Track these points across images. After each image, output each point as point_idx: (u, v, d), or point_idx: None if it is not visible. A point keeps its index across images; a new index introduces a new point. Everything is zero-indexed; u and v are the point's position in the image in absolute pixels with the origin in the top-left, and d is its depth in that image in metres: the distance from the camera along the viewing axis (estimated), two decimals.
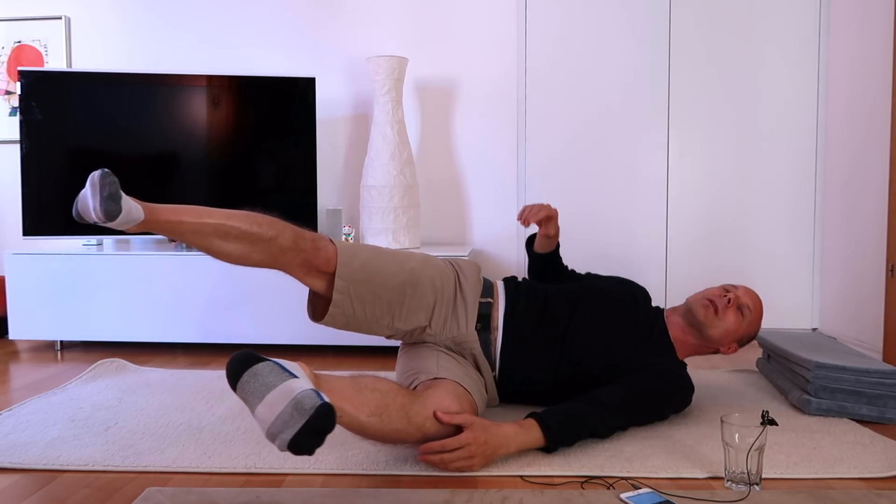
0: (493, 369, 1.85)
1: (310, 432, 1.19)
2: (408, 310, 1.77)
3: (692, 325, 1.92)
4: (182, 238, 1.59)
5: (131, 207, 1.52)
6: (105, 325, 2.85)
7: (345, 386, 1.44)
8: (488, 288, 1.91)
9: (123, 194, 1.51)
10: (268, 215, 1.65)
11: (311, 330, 2.78)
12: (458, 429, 1.51)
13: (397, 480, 1.50)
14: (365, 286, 1.71)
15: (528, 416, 1.63)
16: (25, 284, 2.85)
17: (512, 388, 1.89)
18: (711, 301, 1.91)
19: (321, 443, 1.22)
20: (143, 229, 1.57)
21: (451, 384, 1.64)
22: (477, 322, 1.84)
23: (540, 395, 1.88)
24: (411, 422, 1.47)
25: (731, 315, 1.90)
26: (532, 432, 1.59)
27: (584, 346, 1.84)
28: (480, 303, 1.86)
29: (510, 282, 1.98)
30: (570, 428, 1.62)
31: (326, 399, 1.22)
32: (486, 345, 1.84)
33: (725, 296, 1.91)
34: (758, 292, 3.20)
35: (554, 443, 1.60)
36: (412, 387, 1.68)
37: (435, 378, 1.67)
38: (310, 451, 1.21)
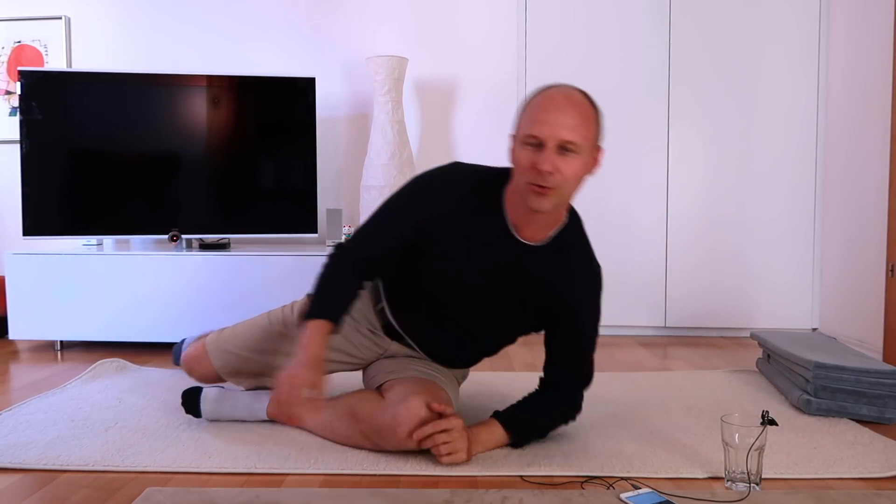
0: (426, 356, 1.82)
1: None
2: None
3: (531, 212, 1.56)
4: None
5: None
6: (105, 325, 2.85)
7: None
8: (377, 293, 1.81)
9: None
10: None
11: None
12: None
13: (397, 480, 1.50)
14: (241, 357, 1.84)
15: (492, 415, 1.67)
16: (25, 284, 2.85)
17: (451, 359, 1.84)
18: (532, 184, 1.48)
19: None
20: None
21: (411, 383, 1.66)
22: (382, 329, 1.79)
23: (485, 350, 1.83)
24: (355, 429, 1.66)
25: (564, 169, 1.46)
26: (495, 428, 1.65)
27: (481, 316, 1.70)
28: (376, 311, 1.80)
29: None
30: (530, 422, 1.68)
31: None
32: (407, 344, 1.81)
33: (539, 172, 1.46)
34: (758, 292, 3.22)
35: (518, 437, 1.66)
36: (381, 385, 1.74)
37: (394, 379, 1.71)
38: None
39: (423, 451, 1.61)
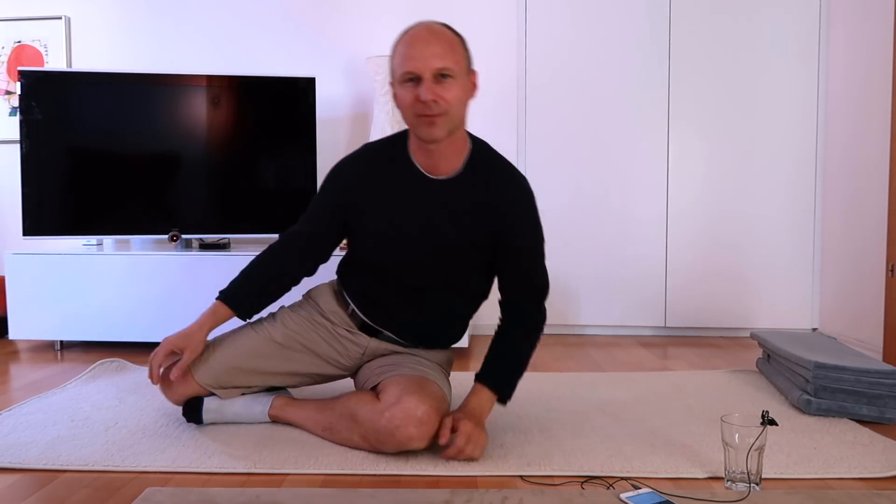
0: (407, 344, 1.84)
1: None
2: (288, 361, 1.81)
3: (425, 142, 1.63)
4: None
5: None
6: (105, 325, 2.85)
7: (313, 407, 1.80)
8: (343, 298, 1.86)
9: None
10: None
11: None
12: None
13: (397, 480, 1.50)
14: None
15: (475, 379, 1.70)
16: (25, 284, 2.85)
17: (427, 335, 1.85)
18: (420, 116, 1.55)
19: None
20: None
21: (404, 382, 1.65)
22: (358, 328, 1.82)
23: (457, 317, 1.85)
24: (355, 432, 1.66)
25: (446, 95, 1.54)
26: (483, 393, 1.68)
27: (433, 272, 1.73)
28: (349, 314, 1.83)
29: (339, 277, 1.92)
30: (507, 372, 1.71)
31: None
32: (385, 338, 1.83)
33: (422, 102, 1.54)
34: (758, 292, 3.22)
35: (501, 391, 1.69)
36: (375, 386, 1.72)
37: (386, 378, 1.70)
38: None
39: (423, 451, 1.62)
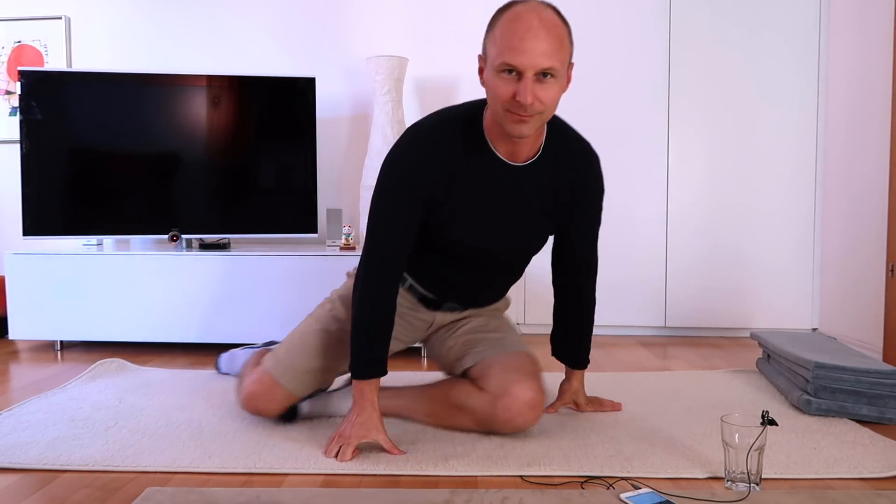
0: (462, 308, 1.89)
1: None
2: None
3: (510, 136, 1.56)
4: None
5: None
6: (105, 325, 2.85)
7: (409, 396, 1.85)
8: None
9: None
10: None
11: None
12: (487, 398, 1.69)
13: (397, 480, 1.50)
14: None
15: (570, 367, 1.94)
16: (25, 284, 2.85)
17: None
18: (512, 112, 1.48)
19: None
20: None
21: (502, 365, 1.71)
22: (420, 303, 1.85)
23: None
24: (465, 419, 1.74)
25: (544, 97, 1.47)
26: (576, 376, 1.94)
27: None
28: (405, 290, 1.82)
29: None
30: (584, 345, 1.93)
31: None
32: (448, 308, 1.87)
33: (519, 103, 1.45)
34: (758, 292, 3.22)
35: (585, 364, 1.94)
36: (467, 370, 1.77)
37: (481, 362, 1.75)
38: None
39: (423, 451, 1.62)
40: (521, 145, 1.60)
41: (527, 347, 1.83)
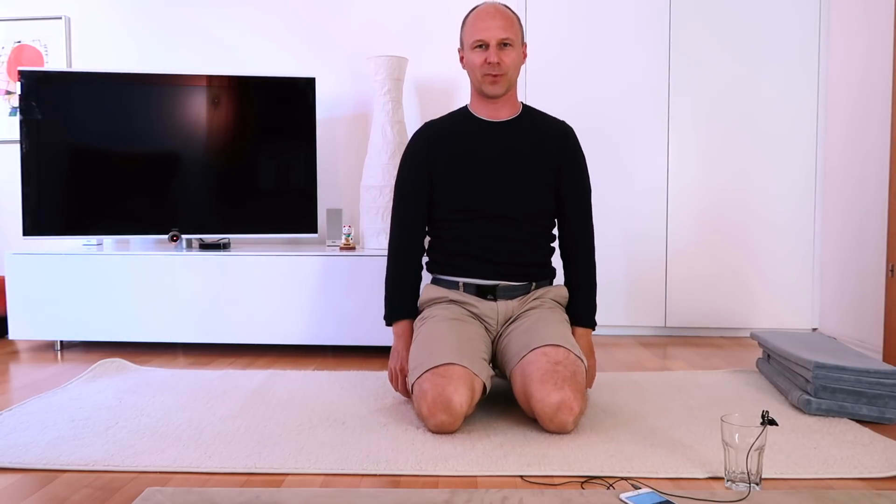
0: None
1: None
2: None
3: (488, 97, 2.03)
4: None
5: None
6: (105, 325, 2.85)
7: None
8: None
9: None
10: None
11: (311, 330, 2.78)
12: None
13: (397, 480, 1.50)
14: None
15: (573, 325, 2.08)
16: (25, 284, 2.85)
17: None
18: (486, 75, 1.97)
19: None
20: None
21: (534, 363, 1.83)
22: (478, 296, 2.06)
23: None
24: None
25: (506, 59, 1.96)
26: (584, 336, 2.09)
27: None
28: (463, 291, 2.07)
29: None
30: (593, 307, 2.12)
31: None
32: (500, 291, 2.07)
33: (489, 64, 1.95)
34: (758, 292, 3.22)
35: (592, 322, 2.11)
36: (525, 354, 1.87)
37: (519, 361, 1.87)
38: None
39: (423, 451, 1.62)
40: (499, 109, 2.05)
41: (570, 336, 1.94)
